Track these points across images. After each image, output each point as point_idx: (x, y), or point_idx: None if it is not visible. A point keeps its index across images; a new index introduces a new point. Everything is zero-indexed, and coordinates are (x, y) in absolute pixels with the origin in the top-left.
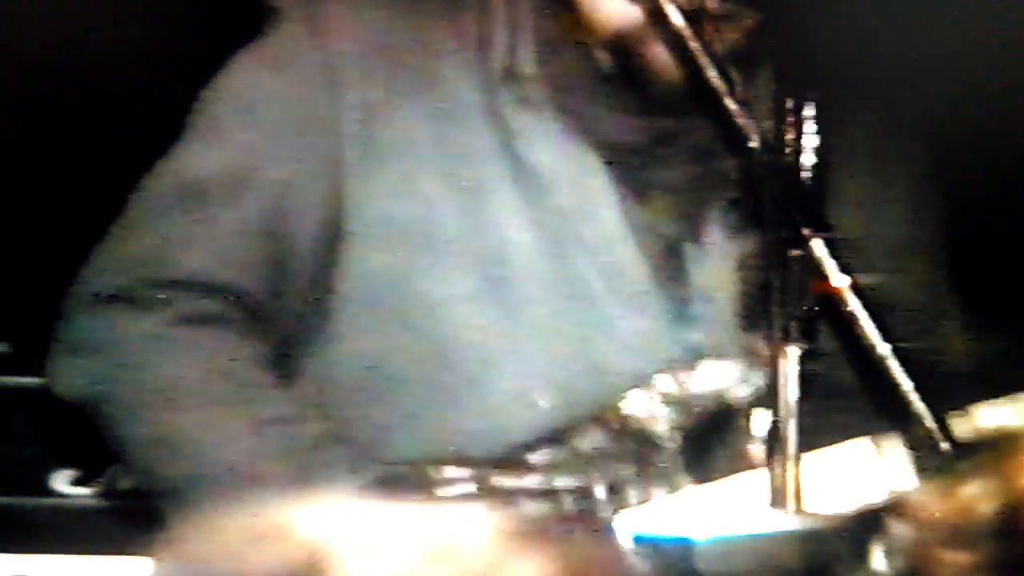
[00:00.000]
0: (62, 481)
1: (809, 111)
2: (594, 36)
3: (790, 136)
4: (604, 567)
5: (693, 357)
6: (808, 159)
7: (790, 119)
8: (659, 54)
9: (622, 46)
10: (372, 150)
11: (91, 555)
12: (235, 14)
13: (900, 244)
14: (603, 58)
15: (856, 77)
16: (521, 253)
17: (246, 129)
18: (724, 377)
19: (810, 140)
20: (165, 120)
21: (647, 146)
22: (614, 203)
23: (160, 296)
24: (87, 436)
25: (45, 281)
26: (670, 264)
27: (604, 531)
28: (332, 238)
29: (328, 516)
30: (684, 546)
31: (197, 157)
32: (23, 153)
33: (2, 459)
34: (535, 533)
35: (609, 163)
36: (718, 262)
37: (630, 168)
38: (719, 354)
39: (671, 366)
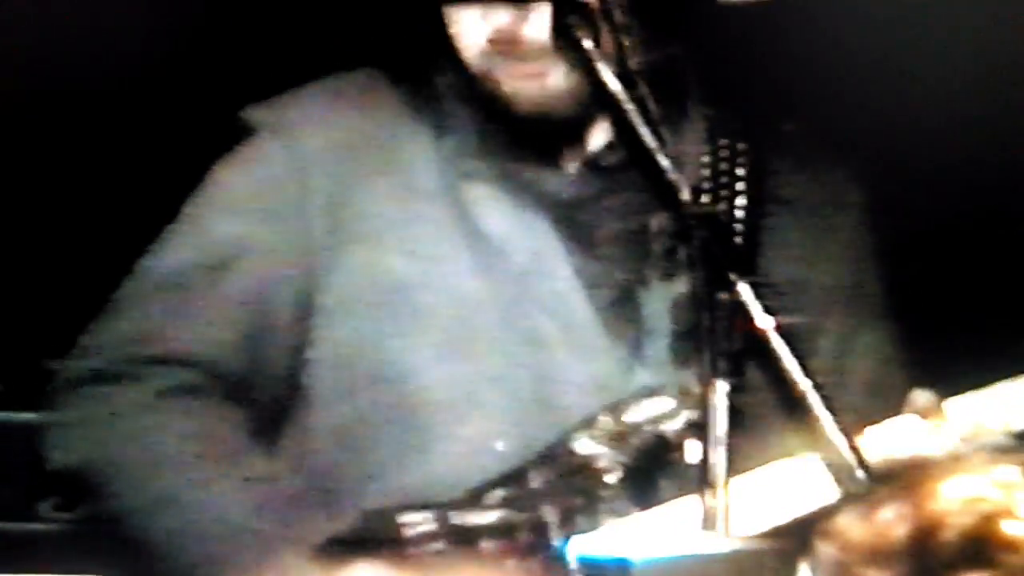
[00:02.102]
0: (46, 508)
1: (743, 161)
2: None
3: (724, 186)
4: None
5: (639, 395)
6: (742, 207)
7: (724, 168)
8: (517, 86)
9: (485, 80)
10: (339, 232)
11: (71, 574)
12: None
13: (835, 287)
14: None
15: (792, 126)
16: (480, 312)
17: (222, 222)
18: (658, 412)
19: (744, 189)
20: (158, 219)
21: (589, 199)
22: (565, 259)
23: (144, 372)
24: None
25: (36, 326)
26: (622, 308)
27: (552, 557)
28: (305, 313)
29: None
30: (623, 567)
31: (177, 249)
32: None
33: None
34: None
35: (558, 219)
36: (661, 304)
37: (577, 222)
38: (662, 391)
39: (612, 404)
